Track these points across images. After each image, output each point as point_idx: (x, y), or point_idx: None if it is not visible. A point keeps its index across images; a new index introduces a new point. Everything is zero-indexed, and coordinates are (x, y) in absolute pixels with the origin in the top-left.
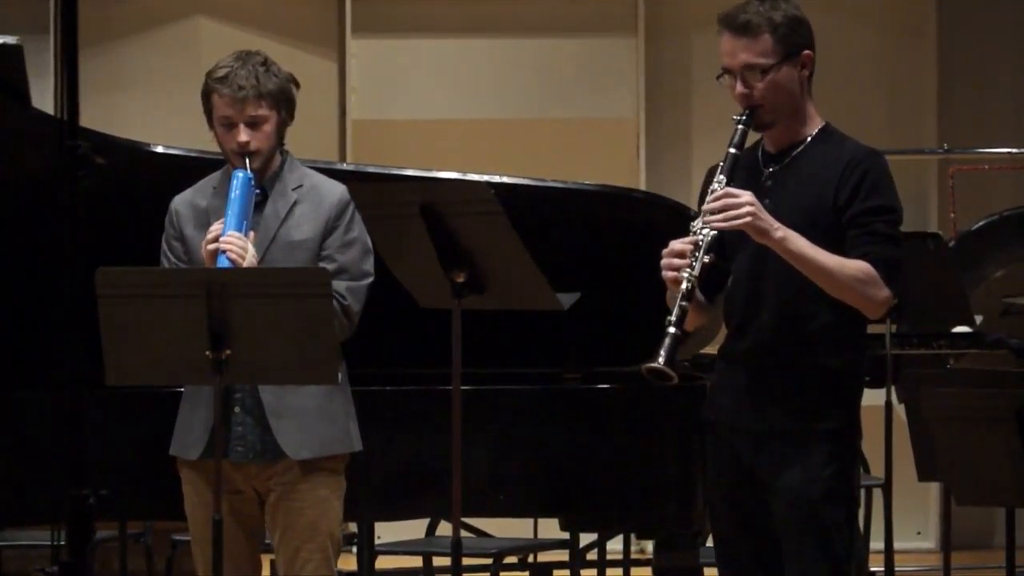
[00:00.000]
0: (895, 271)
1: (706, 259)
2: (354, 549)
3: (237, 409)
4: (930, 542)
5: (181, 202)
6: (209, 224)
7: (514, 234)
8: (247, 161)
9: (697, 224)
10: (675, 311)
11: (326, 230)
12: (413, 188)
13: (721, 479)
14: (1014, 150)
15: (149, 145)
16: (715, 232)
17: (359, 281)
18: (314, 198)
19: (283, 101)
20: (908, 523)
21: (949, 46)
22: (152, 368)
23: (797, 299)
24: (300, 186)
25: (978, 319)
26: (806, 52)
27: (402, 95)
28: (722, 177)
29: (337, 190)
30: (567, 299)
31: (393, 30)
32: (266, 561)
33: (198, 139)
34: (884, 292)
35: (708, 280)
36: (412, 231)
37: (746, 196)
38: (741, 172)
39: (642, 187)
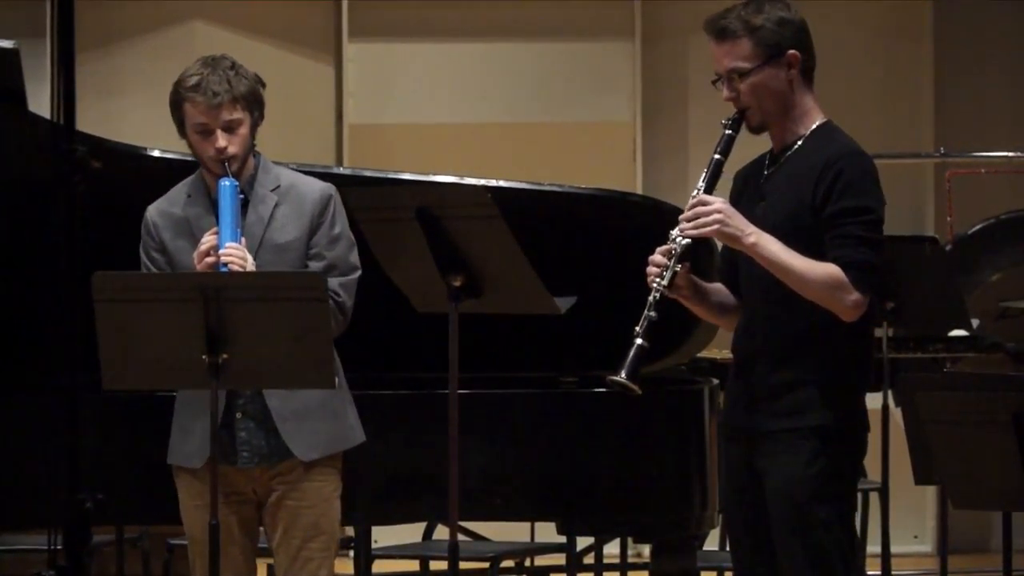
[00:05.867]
0: (866, 274)
1: (678, 268)
2: (351, 553)
3: (239, 415)
4: (927, 546)
5: (156, 212)
6: (190, 232)
7: (511, 238)
8: (227, 167)
9: (675, 232)
10: (642, 322)
11: (311, 228)
12: (410, 192)
13: (730, 481)
14: (1011, 154)
15: (146, 149)
16: (688, 241)
17: (349, 276)
18: (294, 197)
19: (255, 103)
20: (905, 527)
21: (946, 50)
22: (149, 372)
23: (784, 300)
24: (278, 186)
25: (975, 323)
26: (791, 52)
27: (399, 99)
28: (700, 184)
29: (317, 187)
30: (564, 303)
31: (390, 34)
32: (261, 566)
33: None
34: (852, 296)
35: (737, 281)
36: (409, 235)
37: (716, 203)
38: (753, 176)
39: (639, 191)
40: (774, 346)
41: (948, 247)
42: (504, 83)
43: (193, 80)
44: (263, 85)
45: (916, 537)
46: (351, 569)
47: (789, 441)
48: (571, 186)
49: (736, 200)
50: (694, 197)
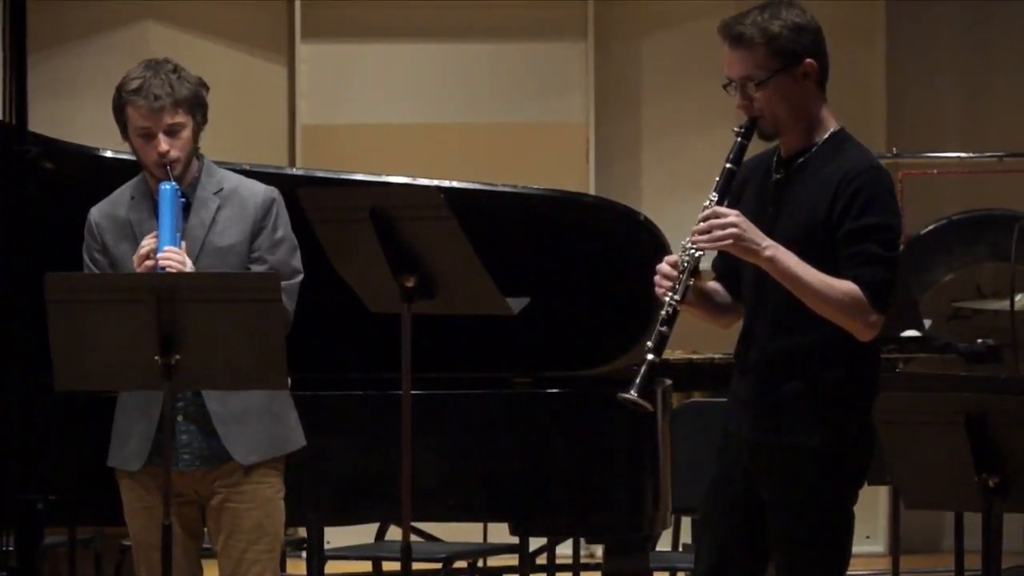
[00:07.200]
0: (884, 294)
1: (691, 282)
2: (304, 554)
3: (180, 417)
4: (879, 546)
5: (100, 214)
6: (133, 235)
7: (464, 239)
8: (169, 171)
9: (687, 243)
10: (654, 336)
11: (253, 232)
12: (363, 193)
13: (719, 488)
14: (962, 155)
15: (98, 150)
16: (701, 253)
17: (291, 280)
18: (237, 201)
19: (197, 106)
20: (857, 526)
21: (898, 52)
22: (101, 373)
23: (793, 312)
24: (221, 189)
25: (927, 323)
26: (808, 61)
27: (352, 100)
28: (714, 194)
29: (259, 190)
30: (517, 303)
31: (343, 35)
32: (207, 567)
33: None
34: (871, 316)
35: (734, 281)
36: (362, 236)
37: (731, 216)
38: (757, 175)
39: (591, 191)
40: (777, 357)
41: (900, 248)
42: (457, 84)
43: (135, 84)
44: (207, 88)
45: (868, 537)
46: (304, 570)
47: (788, 458)
48: (524, 187)
49: (737, 196)
50: (706, 208)
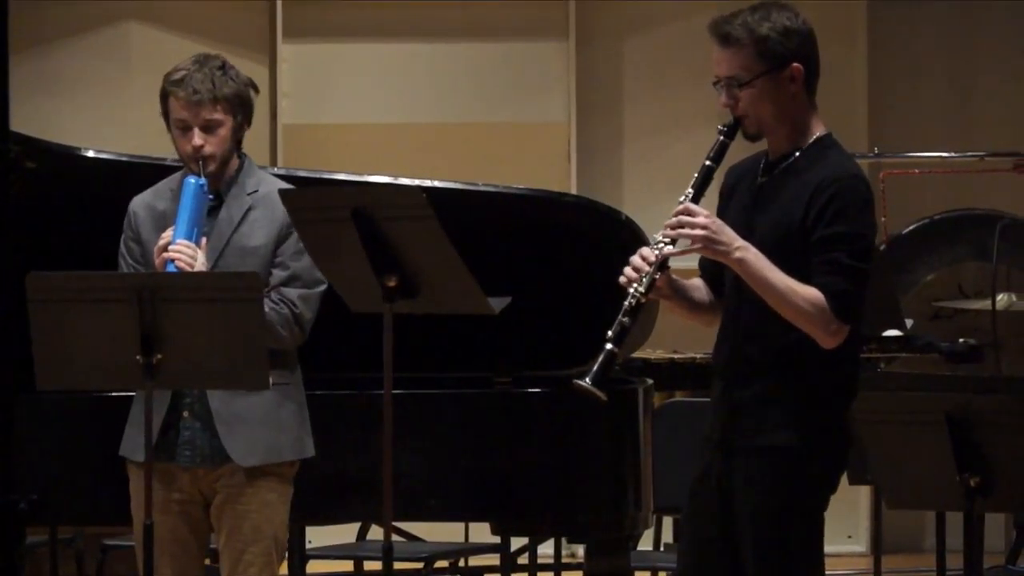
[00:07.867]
0: (849, 303)
1: (657, 276)
2: (285, 553)
3: (186, 414)
4: (861, 546)
5: (139, 204)
6: (166, 228)
7: (445, 238)
8: (201, 166)
9: (658, 237)
10: (614, 327)
11: (280, 236)
12: (344, 192)
13: (695, 492)
14: (944, 154)
15: (80, 149)
16: (672, 248)
17: (312, 289)
18: (269, 204)
19: (239, 106)
20: (839, 527)
21: (880, 51)
22: (83, 372)
23: (766, 315)
24: (256, 191)
25: (909, 323)
26: (795, 65)
27: (333, 100)
28: (689, 191)
29: None
30: (498, 303)
31: (324, 35)
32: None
33: (129, 143)
34: (832, 325)
35: (717, 279)
36: (343, 235)
37: (702, 217)
38: (746, 178)
39: (573, 191)
40: (751, 359)
41: (882, 247)
42: (438, 83)
43: (178, 75)
44: (256, 90)
45: (850, 537)
46: (285, 569)
47: (754, 460)
48: (506, 186)
49: (727, 198)
50: (681, 203)
